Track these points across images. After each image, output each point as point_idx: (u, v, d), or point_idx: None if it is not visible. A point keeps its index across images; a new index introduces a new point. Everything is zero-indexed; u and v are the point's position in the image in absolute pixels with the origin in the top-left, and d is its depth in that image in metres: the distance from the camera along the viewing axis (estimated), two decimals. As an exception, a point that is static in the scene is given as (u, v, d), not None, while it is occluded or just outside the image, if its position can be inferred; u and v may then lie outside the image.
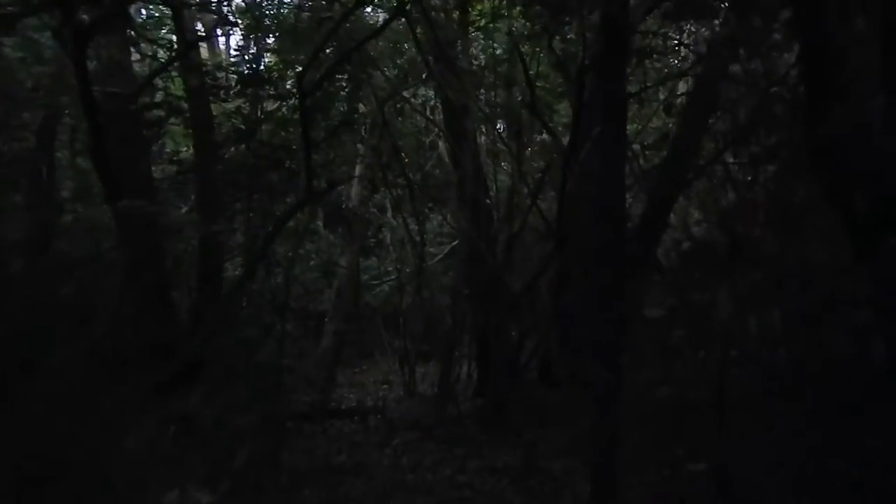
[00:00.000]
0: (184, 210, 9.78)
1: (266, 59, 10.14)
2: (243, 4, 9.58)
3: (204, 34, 8.60)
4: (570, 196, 9.16)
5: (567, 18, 8.05)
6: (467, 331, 11.78)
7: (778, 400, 6.25)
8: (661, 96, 10.68)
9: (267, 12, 9.96)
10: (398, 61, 10.08)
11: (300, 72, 7.14)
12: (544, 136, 11.17)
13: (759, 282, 5.97)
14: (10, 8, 6.16)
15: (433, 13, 9.45)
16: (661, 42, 8.56)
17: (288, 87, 9.93)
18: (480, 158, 10.42)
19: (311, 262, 16.31)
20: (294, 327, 13.75)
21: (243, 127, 8.57)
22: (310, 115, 7.19)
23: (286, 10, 10.14)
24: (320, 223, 16.16)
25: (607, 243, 4.87)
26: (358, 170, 14.40)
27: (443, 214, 16.33)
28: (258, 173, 8.49)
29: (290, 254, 12.61)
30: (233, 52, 11.43)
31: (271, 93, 8.74)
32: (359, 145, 12.86)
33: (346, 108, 10.36)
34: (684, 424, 6.55)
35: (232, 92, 8.75)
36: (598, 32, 7.95)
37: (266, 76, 8.99)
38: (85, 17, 5.72)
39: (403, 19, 9.00)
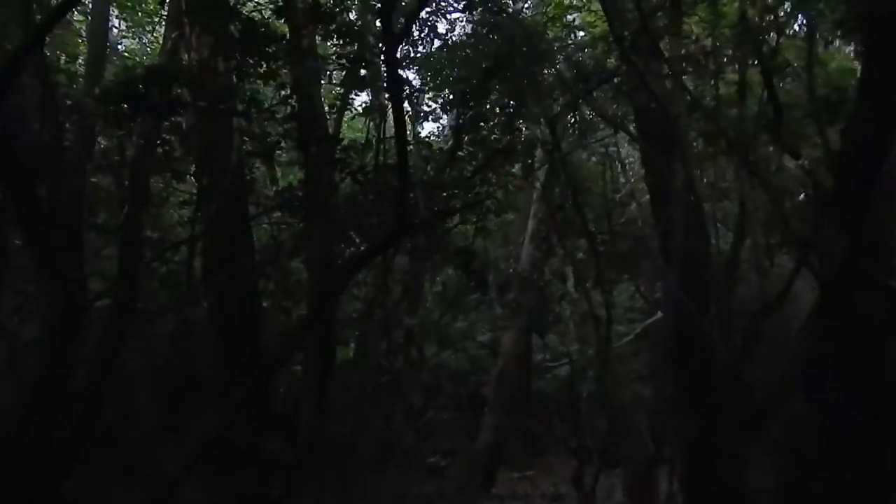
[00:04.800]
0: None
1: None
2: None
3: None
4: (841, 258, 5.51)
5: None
6: (670, 440, 8.10)
7: None
8: None
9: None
10: (579, 56, 6.95)
11: (388, 39, 4.13)
12: (790, 166, 7.49)
13: None
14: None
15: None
16: None
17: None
18: (695, 193, 6.86)
19: (477, 336, 13.37)
20: (445, 415, 10.78)
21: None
22: (401, 105, 4.25)
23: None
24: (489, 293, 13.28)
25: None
26: (531, 225, 11.43)
27: (635, 285, 12.90)
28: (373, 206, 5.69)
29: (443, 322, 9.82)
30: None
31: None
32: (534, 187, 9.82)
33: (500, 130, 7.38)
34: None
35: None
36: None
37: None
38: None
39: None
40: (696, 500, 8.06)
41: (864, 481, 4.87)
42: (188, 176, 6.18)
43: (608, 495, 9.96)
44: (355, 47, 5.71)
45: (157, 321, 6.76)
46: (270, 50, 5.03)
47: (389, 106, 4.96)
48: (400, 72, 4.63)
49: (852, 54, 10.47)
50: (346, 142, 6.17)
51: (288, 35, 5.42)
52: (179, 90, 4.96)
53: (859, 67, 6.99)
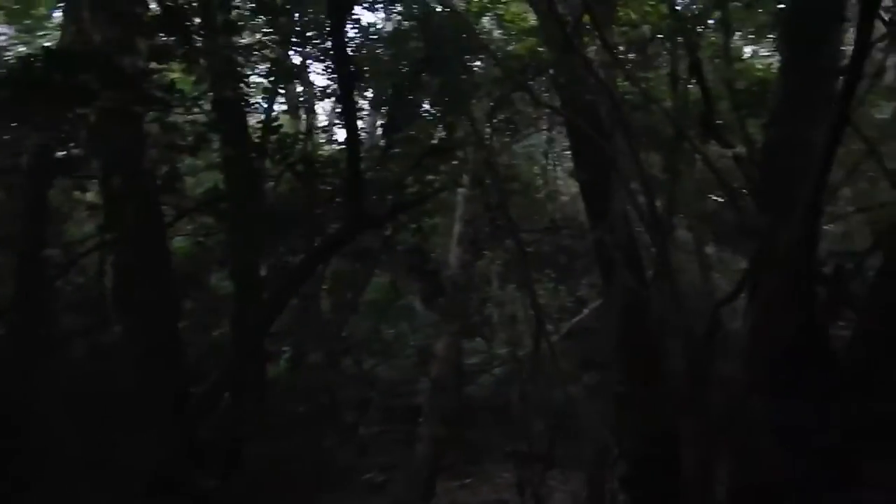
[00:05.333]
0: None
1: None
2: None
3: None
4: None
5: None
6: (617, 442, 7.88)
7: None
8: None
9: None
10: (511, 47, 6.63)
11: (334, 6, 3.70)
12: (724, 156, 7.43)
13: None
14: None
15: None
16: None
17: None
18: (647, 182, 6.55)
19: (405, 346, 12.86)
20: (378, 429, 10.25)
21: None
22: (351, 85, 3.82)
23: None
24: (414, 298, 12.85)
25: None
26: (458, 228, 11.10)
27: (561, 284, 12.79)
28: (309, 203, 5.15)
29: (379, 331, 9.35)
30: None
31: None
32: (458, 192, 9.53)
33: (433, 127, 7.02)
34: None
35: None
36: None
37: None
38: None
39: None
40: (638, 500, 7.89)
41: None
42: (94, 180, 5.42)
43: (549, 498, 9.73)
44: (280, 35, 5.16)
45: (66, 347, 5.97)
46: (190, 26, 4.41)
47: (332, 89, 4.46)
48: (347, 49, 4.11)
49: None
50: (282, 130, 5.59)
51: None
52: (87, 76, 4.27)
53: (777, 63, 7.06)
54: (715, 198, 8.90)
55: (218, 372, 5.37)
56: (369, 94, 6.93)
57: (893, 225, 5.42)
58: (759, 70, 9.61)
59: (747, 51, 10.83)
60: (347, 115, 3.57)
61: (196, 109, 4.89)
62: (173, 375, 5.79)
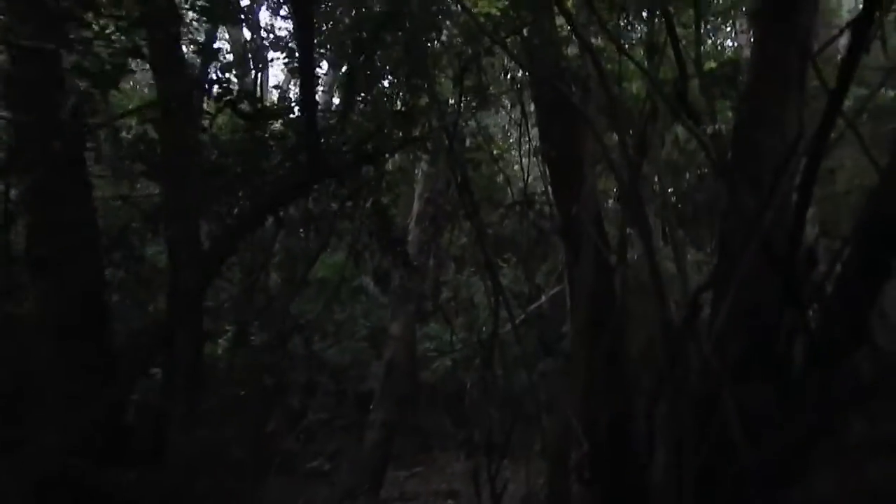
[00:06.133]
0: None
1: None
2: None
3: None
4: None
5: None
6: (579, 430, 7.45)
7: None
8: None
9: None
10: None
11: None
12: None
13: None
14: None
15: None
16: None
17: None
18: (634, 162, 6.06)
19: (356, 329, 12.24)
20: (326, 415, 9.65)
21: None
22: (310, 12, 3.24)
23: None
24: (367, 279, 12.27)
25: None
26: (416, 206, 10.55)
27: (524, 268, 12.36)
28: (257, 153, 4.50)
29: (326, 315, 8.74)
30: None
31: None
32: (417, 168, 8.98)
33: (397, 91, 6.44)
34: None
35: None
36: None
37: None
38: None
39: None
40: (603, 491, 7.51)
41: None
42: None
43: (503, 488, 9.32)
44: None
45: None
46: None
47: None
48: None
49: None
50: (226, 58, 4.90)
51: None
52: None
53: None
54: (684, 179, 8.58)
55: (146, 339, 4.72)
56: (327, 53, 6.29)
57: (868, 216, 5.07)
58: (727, 52, 9.36)
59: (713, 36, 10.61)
60: (303, 51, 2.99)
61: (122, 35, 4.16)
62: (96, 349, 5.12)
